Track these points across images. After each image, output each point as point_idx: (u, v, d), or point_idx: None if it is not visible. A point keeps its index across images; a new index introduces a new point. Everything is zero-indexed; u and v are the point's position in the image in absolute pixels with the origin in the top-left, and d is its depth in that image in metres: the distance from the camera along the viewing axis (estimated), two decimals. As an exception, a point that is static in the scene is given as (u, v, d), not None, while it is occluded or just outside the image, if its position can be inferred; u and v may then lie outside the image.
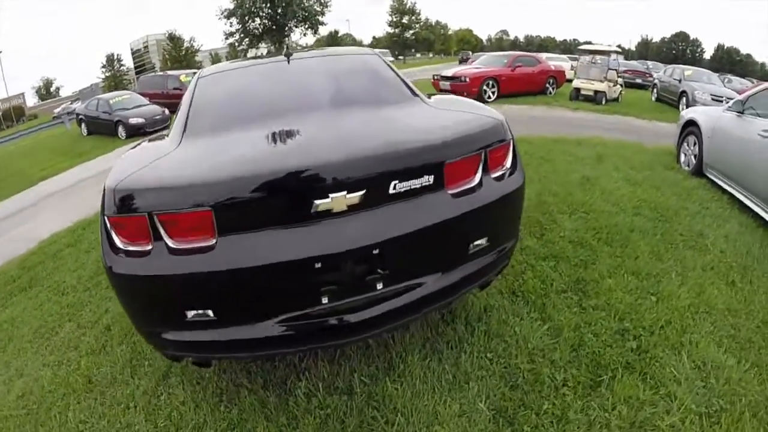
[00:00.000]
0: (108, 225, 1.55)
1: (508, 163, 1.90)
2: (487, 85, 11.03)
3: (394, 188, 1.58)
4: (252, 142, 1.82)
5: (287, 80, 2.45)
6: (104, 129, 12.64)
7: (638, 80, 17.11)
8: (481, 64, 12.83)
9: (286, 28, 28.14)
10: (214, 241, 1.50)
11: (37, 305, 3.17)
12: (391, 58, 34.41)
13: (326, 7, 28.40)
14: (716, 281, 2.54)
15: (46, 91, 49.50)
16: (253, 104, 2.24)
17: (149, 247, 1.50)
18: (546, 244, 3.02)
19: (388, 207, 1.59)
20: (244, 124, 2.02)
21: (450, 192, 1.70)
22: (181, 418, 1.86)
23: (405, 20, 48.19)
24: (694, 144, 4.62)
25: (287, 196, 1.54)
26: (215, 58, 53.55)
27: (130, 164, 1.75)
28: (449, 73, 11.83)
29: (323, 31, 33.71)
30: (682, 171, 4.74)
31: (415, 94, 2.28)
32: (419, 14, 49.36)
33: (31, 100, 58.73)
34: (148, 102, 13.27)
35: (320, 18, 28.58)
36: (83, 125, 13.97)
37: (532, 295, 2.44)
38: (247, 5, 27.03)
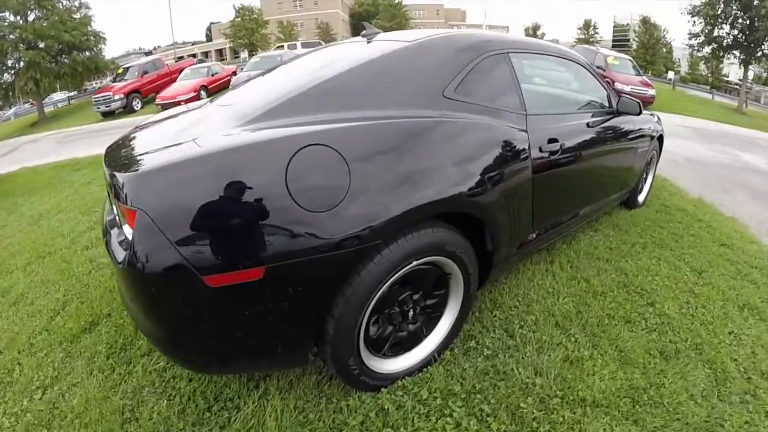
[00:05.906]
0: None
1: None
2: None
3: None
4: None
5: (308, 66, 2.12)
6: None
7: None
8: None
9: (758, 48, 24.41)
10: None
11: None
12: None
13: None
14: None
15: (533, 32, 60.23)
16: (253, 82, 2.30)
17: None
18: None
19: None
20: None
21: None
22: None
23: None
24: None
25: None
26: (693, 60, 46.73)
27: None
28: None
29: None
30: None
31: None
32: None
33: (519, 33, 71.27)
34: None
35: (804, 49, 23.34)
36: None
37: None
38: (718, 8, 24.26)
